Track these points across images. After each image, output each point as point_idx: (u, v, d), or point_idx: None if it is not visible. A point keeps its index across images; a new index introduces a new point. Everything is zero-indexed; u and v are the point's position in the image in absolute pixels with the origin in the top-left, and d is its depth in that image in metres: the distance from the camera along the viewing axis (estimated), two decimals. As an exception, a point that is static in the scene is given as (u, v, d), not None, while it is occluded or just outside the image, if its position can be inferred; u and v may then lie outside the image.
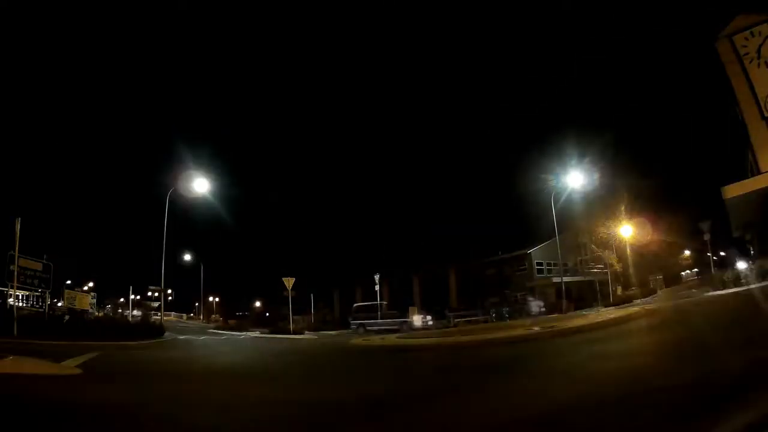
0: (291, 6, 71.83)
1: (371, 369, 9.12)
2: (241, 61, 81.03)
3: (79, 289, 35.54)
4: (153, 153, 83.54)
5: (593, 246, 34.89)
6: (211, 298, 61.50)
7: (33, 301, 21.43)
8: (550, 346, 9.86)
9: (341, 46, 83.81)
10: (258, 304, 55.50)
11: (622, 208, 33.73)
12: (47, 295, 18.65)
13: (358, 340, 16.68)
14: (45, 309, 18.73)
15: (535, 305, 28.98)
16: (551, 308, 29.29)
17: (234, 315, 50.31)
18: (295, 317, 31.14)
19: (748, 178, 16.44)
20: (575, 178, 28.12)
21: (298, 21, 74.56)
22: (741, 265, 23.59)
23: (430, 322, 27.76)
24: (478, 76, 78.20)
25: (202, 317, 56.67)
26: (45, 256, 18.80)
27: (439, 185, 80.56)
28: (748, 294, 14.04)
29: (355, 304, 33.70)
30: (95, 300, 39.46)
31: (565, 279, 31.18)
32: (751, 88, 15.33)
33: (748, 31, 15.59)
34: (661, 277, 41.58)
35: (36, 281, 17.22)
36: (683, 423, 3.18)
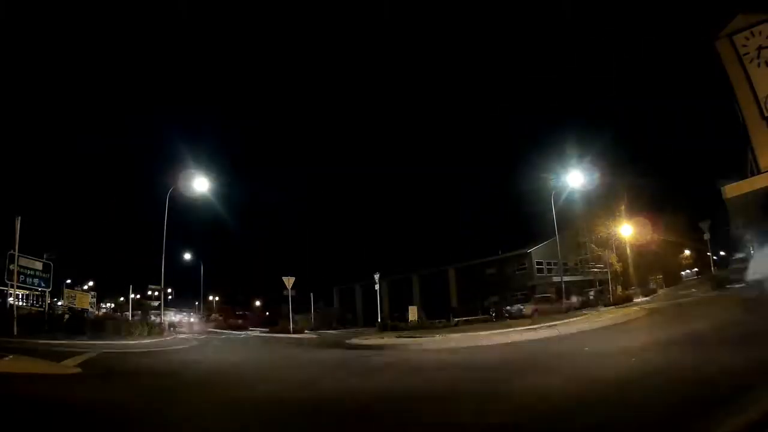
0: (290, 7, 71.81)
1: (370, 369, 9.13)
2: (241, 61, 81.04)
3: (79, 288, 35.57)
4: (153, 152, 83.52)
5: (593, 245, 34.90)
6: (211, 297, 61.54)
7: (33, 301, 21.43)
8: (548, 346, 9.86)
9: (341, 46, 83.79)
10: (258, 303, 55.57)
11: (622, 207, 33.74)
12: (47, 294, 18.65)
13: (357, 339, 16.68)
14: (45, 308, 18.73)
15: (516, 309, 29.00)
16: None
17: (234, 314, 50.35)
18: (296, 316, 31.16)
19: (748, 178, 16.44)
20: (575, 178, 28.11)
21: (297, 21, 74.55)
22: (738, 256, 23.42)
23: None
24: (479, 75, 78.20)
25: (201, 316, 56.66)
26: (45, 255, 18.82)
27: (439, 184, 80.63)
28: (747, 293, 14.04)
29: None
30: (95, 299, 39.44)
31: (565, 278, 31.20)
32: (751, 88, 15.31)
33: (748, 31, 15.57)
34: (661, 276, 41.62)
35: (36, 280, 17.23)
36: (683, 423, 3.18)
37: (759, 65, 15.30)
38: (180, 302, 62.50)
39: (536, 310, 26.24)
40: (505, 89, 73.65)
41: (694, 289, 26.58)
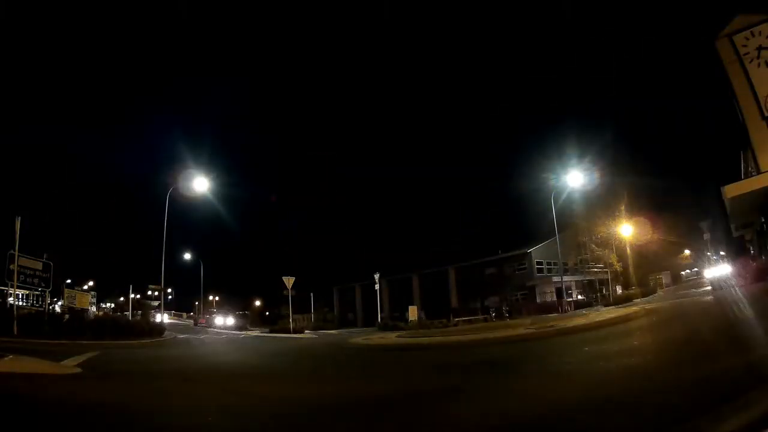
0: (291, 8, 71.76)
1: (370, 368, 9.13)
2: (241, 62, 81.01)
3: (79, 288, 35.51)
4: (153, 152, 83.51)
5: (593, 245, 34.88)
6: (210, 297, 61.54)
7: (33, 300, 21.41)
8: (548, 346, 9.86)
9: (341, 47, 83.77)
10: (258, 303, 55.60)
11: (622, 207, 33.73)
12: (47, 294, 18.62)
13: (357, 339, 16.70)
14: (45, 308, 18.71)
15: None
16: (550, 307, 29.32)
17: (234, 314, 50.32)
18: (295, 316, 31.21)
19: (748, 177, 16.44)
20: (575, 178, 28.12)
21: (298, 23, 74.52)
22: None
23: None
24: (479, 75, 78.16)
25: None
26: (45, 255, 18.79)
27: (439, 185, 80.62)
28: (747, 294, 14.05)
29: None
30: (95, 299, 39.48)
31: (565, 278, 31.18)
32: (751, 88, 15.30)
33: (748, 31, 15.56)
34: (660, 276, 41.60)
35: (36, 280, 17.19)
36: (683, 423, 3.17)
37: (759, 65, 15.28)
38: (180, 302, 62.58)
39: None
40: (505, 89, 73.71)
41: (693, 289, 26.56)
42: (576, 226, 35.19)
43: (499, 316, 30.26)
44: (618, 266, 34.00)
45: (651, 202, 34.72)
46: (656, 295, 32.05)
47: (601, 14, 54.10)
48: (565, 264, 34.60)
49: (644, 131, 60.17)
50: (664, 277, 42.08)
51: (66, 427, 4.00)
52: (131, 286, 37.71)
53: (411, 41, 79.40)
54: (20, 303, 19.32)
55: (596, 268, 34.32)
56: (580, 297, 33.15)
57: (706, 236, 27.02)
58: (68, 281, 37.04)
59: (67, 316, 18.32)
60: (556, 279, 33.44)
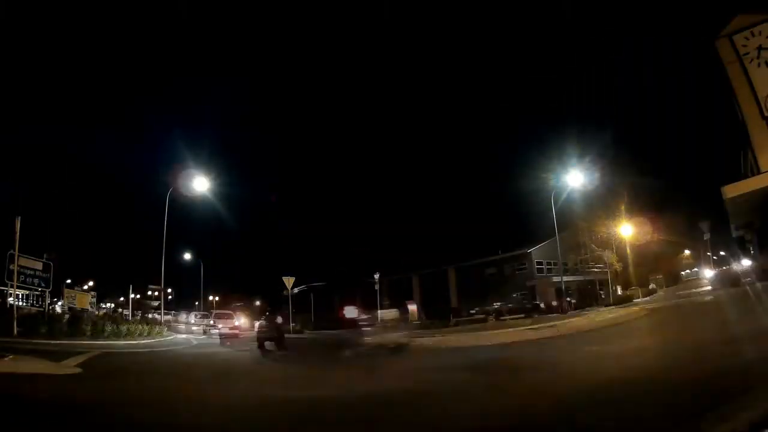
0: (290, 9, 71.78)
1: (370, 368, 9.12)
2: (241, 62, 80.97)
3: (78, 288, 35.55)
4: (154, 152, 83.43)
5: (593, 245, 34.87)
6: (211, 297, 61.49)
7: (33, 301, 21.42)
8: (549, 346, 9.86)
9: (341, 47, 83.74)
10: (258, 303, 55.57)
11: (622, 207, 33.73)
12: (47, 294, 18.62)
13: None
14: (45, 308, 18.71)
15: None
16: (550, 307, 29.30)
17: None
18: (296, 316, 31.18)
19: (748, 178, 16.43)
20: (575, 178, 28.09)
21: (298, 23, 74.55)
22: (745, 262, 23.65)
23: None
24: (480, 75, 78.19)
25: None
26: (45, 255, 18.79)
27: (439, 185, 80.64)
28: (748, 293, 14.06)
29: None
30: (95, 299, 39.48)
31: (565, 278, 31.15)
32: (751, 88, 15.29)
33: (748, 31, 15.55)
34: (661, 276, 41.58)
35: (36, 280, 17.17)
36: (683, 423, 3.18)
37: (759, 65, 15.28)
38: (180, 302, 62.56)
39: None
40: (505, 89, 73.67)
41: (693, 289, 26.56)
42: (576, 226, 35.15)
43: (499, 316, 30.21)
44: (618, 266, 33.98)
45: (651, 202, 34.73)
46: (656, 295, 32.05)
47: (602, 14, 54.08)
48: (566, 264, 34.56)
49: (644, 131, 60.14)
50: (664, 277, 42.08)
51: (66, 427, 4.00)
52: (131, 286, 37.73)
53: (411, 41, 79.39)
54: (20, 303, 19.32)
55: (596, 268, 34.30)
56: (580, 297, 33.11)
57: (706, 236, 26.97)
58: (68, 281, 37.05)
59: (67, 317, 18.31)
60: (556, 279, 33.42)
